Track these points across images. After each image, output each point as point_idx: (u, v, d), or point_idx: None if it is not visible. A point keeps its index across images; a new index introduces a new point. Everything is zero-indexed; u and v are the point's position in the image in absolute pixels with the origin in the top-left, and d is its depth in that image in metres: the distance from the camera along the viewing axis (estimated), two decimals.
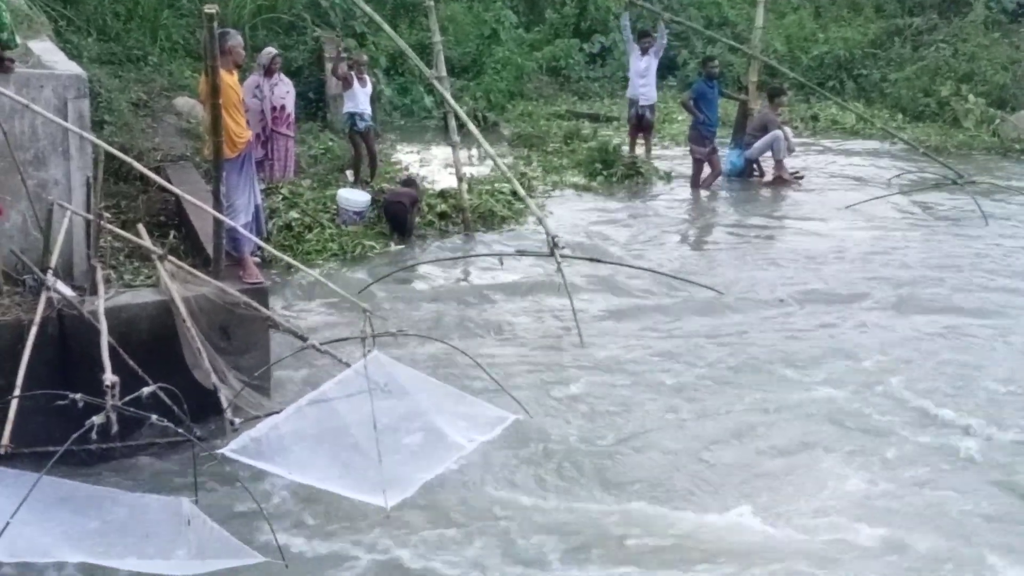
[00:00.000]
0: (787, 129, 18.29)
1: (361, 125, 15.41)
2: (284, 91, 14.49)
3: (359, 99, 15.44)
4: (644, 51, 18.38)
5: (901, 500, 7.80)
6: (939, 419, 9.02)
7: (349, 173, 15.46)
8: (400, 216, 13.85)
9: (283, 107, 14.38)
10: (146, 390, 6.51)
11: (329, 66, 17.51)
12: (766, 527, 7.46)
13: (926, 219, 15.63)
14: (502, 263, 12.62)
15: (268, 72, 14.24)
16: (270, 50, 14.73)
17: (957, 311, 11.63)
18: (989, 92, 22.14)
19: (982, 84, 22.40)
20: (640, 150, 18.74)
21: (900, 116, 22.67)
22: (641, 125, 18.74)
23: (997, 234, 14.51)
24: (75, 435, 6.08)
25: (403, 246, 13.65)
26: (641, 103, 18.44)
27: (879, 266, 13.20)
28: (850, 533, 7.35)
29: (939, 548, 7.19)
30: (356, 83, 15.40)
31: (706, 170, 17.29)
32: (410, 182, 14.59)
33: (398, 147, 18.84)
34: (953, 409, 9.15)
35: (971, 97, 21.79)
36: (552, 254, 10.40)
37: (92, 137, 8.79)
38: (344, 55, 16.36)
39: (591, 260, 11.92)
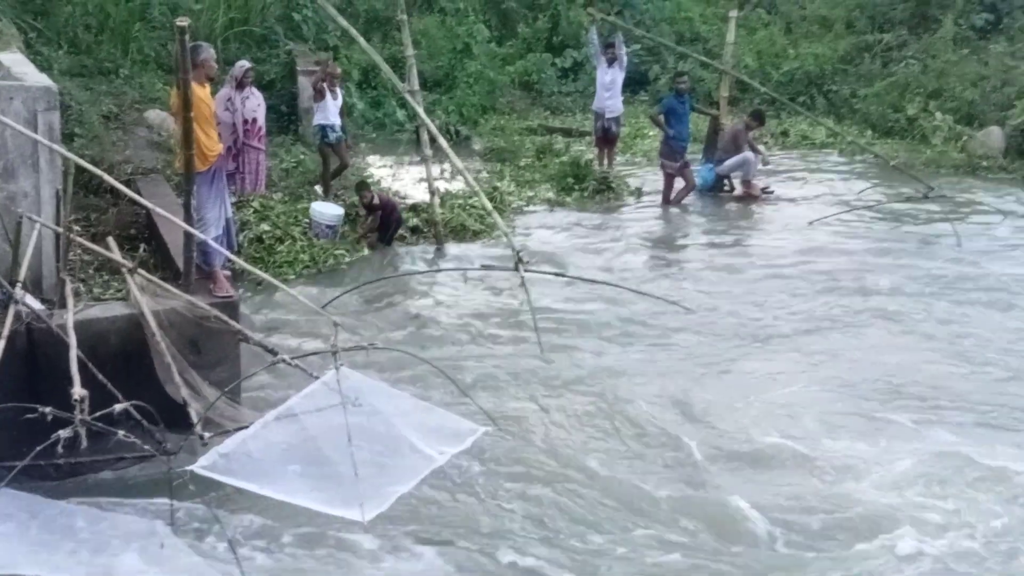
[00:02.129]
0: (760, 148, 18.46)
1: (332, 137, 15.43)
2: (255, 104, 14.45)
3: (330, 111, 15.44)
4: (610, 63, 18.53)
5: None
6: None
7: (318, 188, 15.44)
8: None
9: (254, 120, 14.34)
10: (118, 407, 6.50)
11: (308, 79, 17.47)
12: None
13: (894, 234, 15.73)
14: (466, 279, 12.66)
15: (240, 85, 14.20)
16: (243, 63, 14.67)
17: (924, 328, 11.74)
18: (958, 108, 22.32)
19: (951, 100, 22.58)
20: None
21: (869, 132, 22.83)
22: (607, 137, 18.87)
23: (966, 251, 14.55)
24: (39, 448, 6.06)
25: (372, 251, 13.73)
26: (607, 115, 18.58)
27: (847, 282, 13.25)
28: None
29: None
30: (328, 95, 15.40)
31: (679, 185, 17.38)
32: (364, 185, 14.63)
33: (370, 160, 18.82)
34: None
35: (939, 114, 21.97)
36: (517, 269, 10.43)
37: (62, 149, 8.76)
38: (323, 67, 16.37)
39: (556, 275, 11.97)
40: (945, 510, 7.87)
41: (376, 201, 14.27)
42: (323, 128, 15.46)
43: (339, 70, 16.62)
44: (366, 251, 13.78)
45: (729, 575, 7.14)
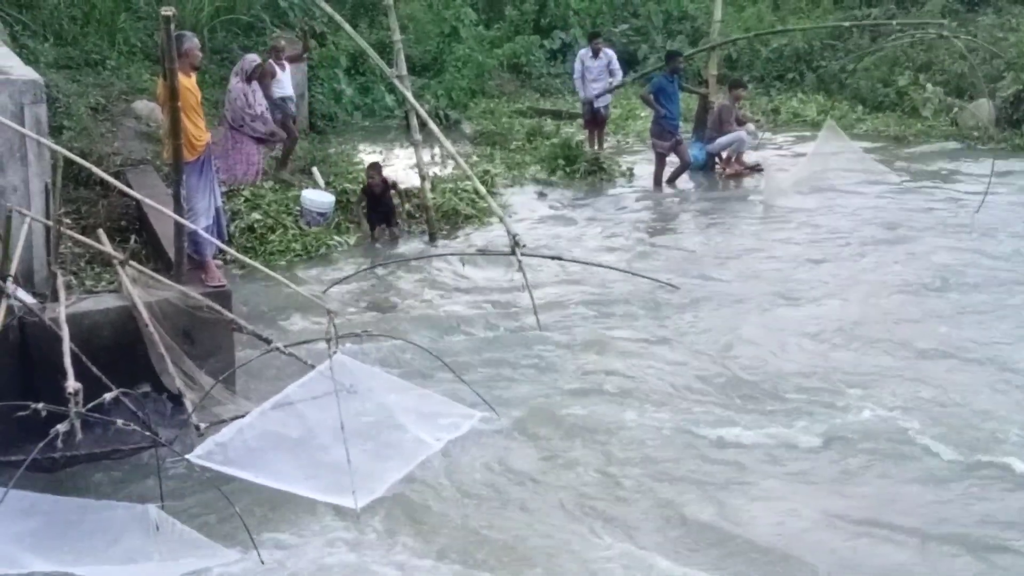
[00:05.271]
0: (750, 126, 18.48)
1: (290, 107, 15.49)
2: (262, 96, 14.58)
3: (283, 83, 15.54)
4: (595, 54, 18.65)
5: None
6: None
7: (316, 171, 15.36)
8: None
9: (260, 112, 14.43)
10: (108, 396, 6.47)
11: (295, 67, 17.42)
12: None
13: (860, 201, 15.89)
14: (464, 263, 12.63)
15: (249, 79, 14.20)
16: (253, 57, 14.63)
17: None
18: (947, 81, 22.35)
19: (940, 73, 22.60)
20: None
21: (860, 107, 22.85)
22: (595, 119, 18.94)
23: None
24: (40, 444, 6.04)
25: (364, 244, 13.68)
26: (594, 103, 18.70)
27: (839, 261, 13.26)
28: None
29: None
30: (276, 70, 15.39)
31: (672, 163, 17.34)
32: (376, 167, 14.50)
33: (360, 147, 18.76)
34: None
35: (929, 86, 21.99)
36: (513, 253, 10.39)
37: (50, 143, 8.73)
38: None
39: (552, 258, 11.93)
40: None
41: (385, 182, 14.23)
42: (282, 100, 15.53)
43: (283, 43, 16.33)
44: (350, 243, 13.72)
45: None
